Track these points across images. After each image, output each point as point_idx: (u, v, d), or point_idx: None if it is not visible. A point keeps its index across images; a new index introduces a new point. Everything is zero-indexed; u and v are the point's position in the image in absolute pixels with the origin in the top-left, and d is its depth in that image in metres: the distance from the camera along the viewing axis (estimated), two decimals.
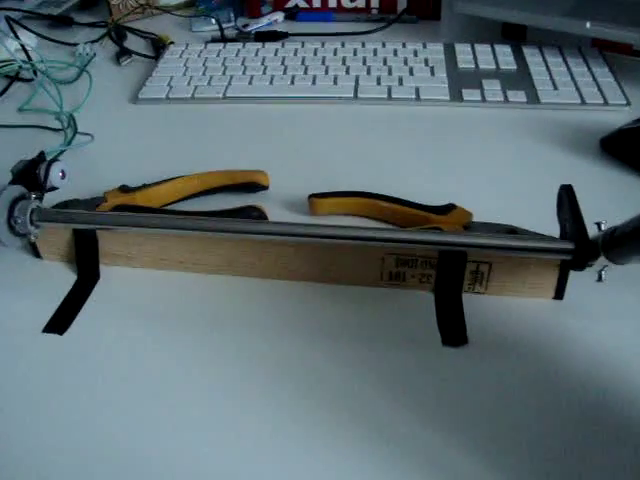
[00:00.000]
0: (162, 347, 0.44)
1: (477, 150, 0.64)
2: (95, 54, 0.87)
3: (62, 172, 0.50)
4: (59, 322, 0.46)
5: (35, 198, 0.47)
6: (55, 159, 0.51)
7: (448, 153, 0.64)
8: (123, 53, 0.86)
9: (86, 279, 0.49)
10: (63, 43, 0.91)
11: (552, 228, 0.46)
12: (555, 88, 0.72)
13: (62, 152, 0.60)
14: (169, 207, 0.56)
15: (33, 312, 0.47)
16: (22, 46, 0.80)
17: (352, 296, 0.48)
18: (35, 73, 0.81)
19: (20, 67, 0.83)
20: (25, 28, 0.90)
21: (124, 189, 0.55)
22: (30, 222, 0.46)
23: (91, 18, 1.01)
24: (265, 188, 0.57)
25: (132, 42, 0.91)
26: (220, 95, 0.74)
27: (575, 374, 0.41)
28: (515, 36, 0.88)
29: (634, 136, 0.61)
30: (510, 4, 0.80)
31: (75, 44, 0.89)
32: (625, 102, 0.69)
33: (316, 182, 0.58)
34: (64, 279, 0.50)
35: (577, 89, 0.72)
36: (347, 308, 0.47)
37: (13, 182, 0.48)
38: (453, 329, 0.44)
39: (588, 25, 0.74)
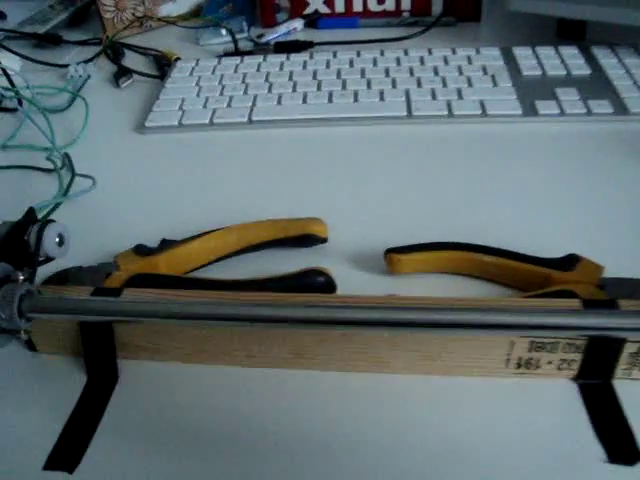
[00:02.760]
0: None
1: (568, 176, 0.52)
2: (89, 76, 0.74)
3: (60, 237, 0.37)
4: (66, 453, 0.33)
5: (24, 280, 0.33)
6: (49, 220, 0.37)
7: (534, 182, 0.51)
8: (122, 73, 0.73)
9: (99, 381, 0.36)
10: (51, 65, 0.78)
11: None
12: None
13: (58, 205, 0.46)
14: (201, 273, 0.42)
15: (29, 435, 0.34)
16: (3, 70, 0.66)
17: (467, 391, 0.35)
18: (20, 102, 0.68)
19: (1, 95, 0.69)
20: (6, 49, 0.76)
21: (141, 251, 0.42)
22: (19, 314, 0.33)
23: (82, 35, 0.88)
24: (323, 241, 0.44)
25: (131, 60, 0.78)
26: (244, 119, 0.61)
27: None
28: (573, 35, 0.75)
29: None
30: None
31: (65, 65, 0.76)
32: None
33: (384, 230, 0.46)
34: (70, 380, 0.37)
35: None
36: (462, 407, 0.33)
37: None
38: (617, 436, 0.31)
39: None
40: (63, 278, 0.41)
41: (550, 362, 0.35)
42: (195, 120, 0.62)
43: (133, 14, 0.86)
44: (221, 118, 0.61)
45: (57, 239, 0.37)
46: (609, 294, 0.36)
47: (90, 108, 0.65)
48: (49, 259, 0.38)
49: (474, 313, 0.31)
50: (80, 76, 0.74)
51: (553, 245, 0.41)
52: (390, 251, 0.42)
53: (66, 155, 0.54)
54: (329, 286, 0.40)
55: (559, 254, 0.40)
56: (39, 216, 0.44)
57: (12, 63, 0.74)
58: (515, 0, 0.71)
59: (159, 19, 0.85)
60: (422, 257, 0.42)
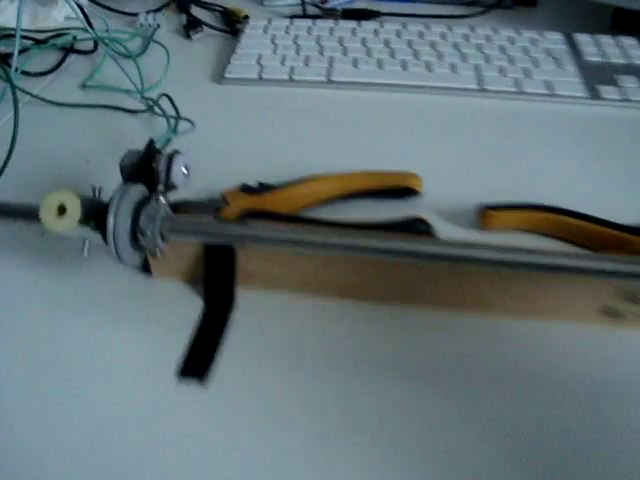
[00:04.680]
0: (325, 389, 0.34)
1: (633, 155, 0.54)
2: (159, 25, 0.75)
3: (185, 168, 0.39)
4: (196, 364, 0.35)
5: (164, 203, 0.35)
6: (176, 151, 0.39)
7: (603, 158, 0.55)
8: (193, 25, 0.74)
9: (218, 306, 0.38)
10: (119, 12, 0.79)
11: None
12: None
13: (168, 142, 0.48)
14: (306, 213, 0.45)
15: (158, 348, 0.37)
16: (82, 12, 0.68)
17: (558, 334, 0.38)
18: (95, 45, 0.69)
19: (74, 38, 0.71)
20: None
21: (247, 190, 0.45)
22: (160, 234, 0.35)
23: None
24: (417, 194, 0.46)
25: (197, 15, 0.79)
26: (324, 78, 0.63)
27: None
28: (627, 27, 0.78)
29: None
30: None
31: (134, 14, 0.77)
32: None
33: (472, 188, 0.49)
34: (188, 304, 0.40)
35: None
36: (554, 349, 0.37)
37: (127, 179, 0.37)
38: None
39: None
40: (173, 209, 0.44)
41: (635, 313, 0.38)
42: (274, 75, 0.64)
43: None
44: (300, 75, 0.63)
45: (184, 169, 0.39)
46: None
47: (167, 55, 0.67)
48: (172, 187, 0.40)
49: (573, 259, 0.34)
50: (149, 25, 0.75)
51: (628, 214, 0.44)
52: (486, 207, 0.45)
53: (169, 98, 0.56)
54: (428, 234, 0.43)
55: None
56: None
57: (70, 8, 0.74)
58: None
59: None
60: (513, 215, 0.45)
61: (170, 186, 0.39)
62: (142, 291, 0.41)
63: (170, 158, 0.38)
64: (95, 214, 0.35)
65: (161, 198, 0.36)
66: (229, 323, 0.38)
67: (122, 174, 0.39)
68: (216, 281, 0.39)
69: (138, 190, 0.36)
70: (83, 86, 0.65)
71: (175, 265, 0.40)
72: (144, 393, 0.35)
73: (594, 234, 0.43)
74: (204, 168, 0.48)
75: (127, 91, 0.63)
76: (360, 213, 0.46)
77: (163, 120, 0.57)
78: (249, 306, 0.39)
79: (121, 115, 0.60)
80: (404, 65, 0.65)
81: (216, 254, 0.38)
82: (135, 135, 0.57)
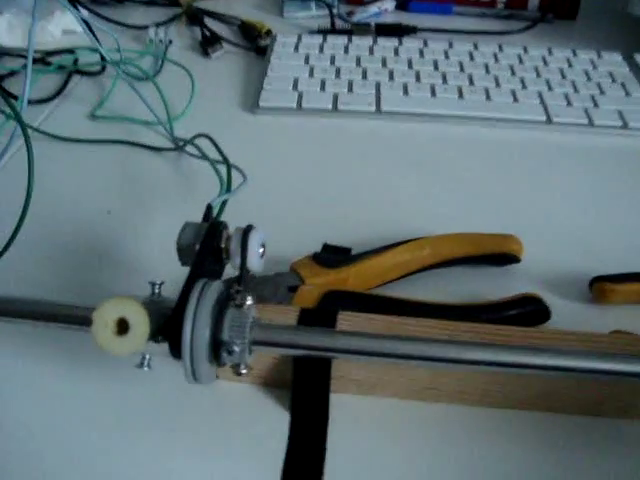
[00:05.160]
0: None
1: None
2: (171, 41, 0.66)
3: (262, 247, 0.31)
4: None
5: (249, 303, 0.27)
6: (250, 226, 0.31)
7: None
8: (211, 42, 0.66)
9: (309, 419, 0.30)
10: (123, 25, 0.70)
11: None
12: None
13: (224, 204, 0.39)
14: (391, 289, 0.38)
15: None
16: (89, 28, 0.59)
17: None
18: (103, 65, 0.60)
19: (76, 60, 0.62)
20: (77, 3, 0.68)
21: (321, 261, 0.37)
22: (248, 349, 0.27)
23: None
24: (516, 260, 0.39)
25: (213, 28, 0.71)
26: (372, 108, 0.55)
27: None
28: None
29: None
30: None
31: (143, 27, 0.68)
32: None
33: (569, 250, 0.42)
34: (267, 414, 0.33)
35: None
36: None
37: (195, 270, 0.28)
38: None
39: None
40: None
41: None
42: (316, 104, 0.56)
43: None
44: (346, 105, 0.55)
45: (260, 250, 0.31)
46: None
47: (183, 77, 0.58)
48: (246, 272, 0.32)
49: None
50: (161, 41, 0.67)
51: None
52: (599, 280, 0.38)
53: (207, 138, 0.47)
54: (544, 316, 0.35)
55: None
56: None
57: (74, 22, 0.65)
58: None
59: None
60: (633, 288, 0.37)
61: (244, 270, 0.30)
62: (210, 399, 0.32)
63: (245, 236, 0.30)
64: (163, 323, 0.26)
65: (246, 298, 0.27)
66: (325, 444, 0.29)
67: (180, 257, 0.31)
68: (307, 388, 0.31)
69: (216, 288, 0.27)
70: (92, 116, 0.56)
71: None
72: None
73: None
74: (265, 231, 0.40)
75: (147, 123, 0.54)
76: (455, 283, 0.38)
77: (194, 160, 0.49)
78: (349, 416, 0.31)
79: (142, 153, 0.51)
80: (460, 92, 0.57)
81: (307, 365, 0.30)
82: (162, 178, 0.49)
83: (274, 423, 0.31)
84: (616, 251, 0.42)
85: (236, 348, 0.26)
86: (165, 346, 0.27)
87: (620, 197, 0.48)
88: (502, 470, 0.30)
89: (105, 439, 0.31)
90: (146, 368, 0.28)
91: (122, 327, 0.25)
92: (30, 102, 0.56)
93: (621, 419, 0.32)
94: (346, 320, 0.31)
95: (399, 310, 0.34)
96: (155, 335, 0.26)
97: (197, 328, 0.26)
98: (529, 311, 0.35)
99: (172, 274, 0.30)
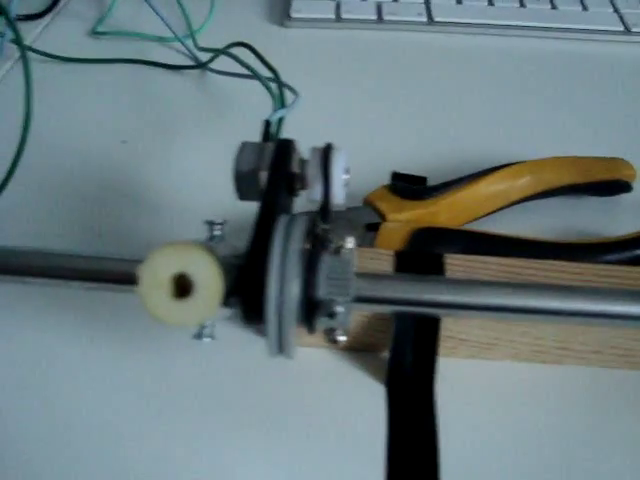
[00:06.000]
0: None
1: None
2: None
3: (347, 171, 0.24)
4: None
5: (350, 247, 0.20)
6: (330, 145, 0.24)
7: None
8: None
9: (414, 393, 0.23)
10: None
11: None
12: None
13: (281, 122, 0.32)
14: (488, 223, 0.31)
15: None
16: None
17: None
18: None
19: None
20: None
21: (400, 191, 0.29)
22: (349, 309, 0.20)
23: None
24: (629, 189, 0.32)
25: None
26: (423, 18, 0.47)
27: None
28: None
29: None
30: None
31: None
32: None
33: None
34: (356, 388, 0.25)
35: None
36: None
37: (269, 205, 0.21)
38: None
39: None
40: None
41: None
42: (358, 14, 0.48)
43: None
44: (393, 14, 0.47)
45: (345, 176, 0.24)
46: None
47: None
48: (329, 205, 0.24)
49: None
50: None
51: None
52: None
53: (247, 46, 0.39)
54: None
55: None
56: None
57: None
58: None
59: None
60: None
61: (327, 202, 0.23)
62: (282, 370, 0.25)
63: (326, 158, 0.22)
64: (234, 278, 0.19)
65: (346, 241, 0.20)
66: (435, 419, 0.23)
67: (239, 188, 0.23)
68: (409, 352, 0.24)
69: (303, 227, 0.20)
70: (94, 33, 0.47)
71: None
72: None
73: None
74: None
75: (161, 38, 0.45)
76: (562, 219, 0.32)
77: (221, 79, 0.41)
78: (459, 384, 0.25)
79: (158, 72, 0.43)
80: (521, 1, 0.49)
81: (411, 325, 0.23)
82: (185, 100, 0.41)
83: (364, 394, 0.24)
84: None
85: (339, 308, 0.19)
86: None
87: None
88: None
89: (148, 424, 0.24)
90: (208, 339, 0.20)
91: (183, 287, 0.18)
92: (18, 18, 0.47)
93: None
94: (456, 265, 0.24)
95: (510, 250, 0.27)
96: (228, 296, 0.19)
97: (286, 282, 0.19)
98: None
99: (215, 213, 0.23)
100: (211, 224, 0.22)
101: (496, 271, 0.25)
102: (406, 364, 0.23)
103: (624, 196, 0.33)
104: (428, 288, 0.21)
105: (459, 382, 0.25)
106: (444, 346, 0.25)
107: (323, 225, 0.21)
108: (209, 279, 0.18)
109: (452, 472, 0.20)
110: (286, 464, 0.23)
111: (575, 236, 0.31)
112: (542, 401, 0.25)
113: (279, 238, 0.19)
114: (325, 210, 0.22)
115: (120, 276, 0.21)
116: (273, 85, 0.33)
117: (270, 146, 0.24)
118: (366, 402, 0.24)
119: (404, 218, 0.29)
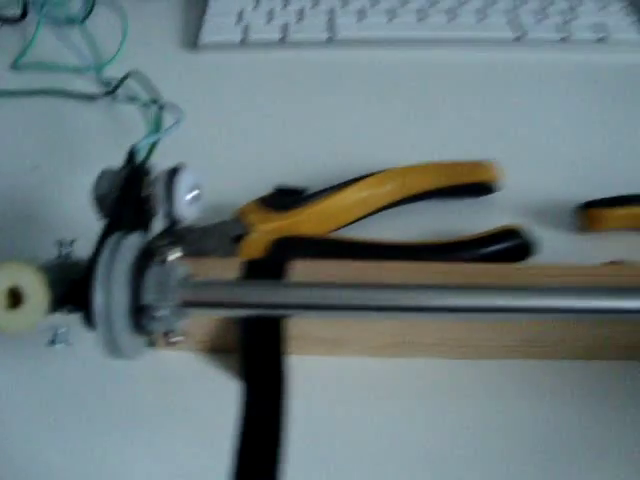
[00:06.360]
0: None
1: None
2: None
3: (196, 189, 0.26)
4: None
5: (179, 256, 0.23)
6: (179, 165, 0.26)
7: None
8: None
9: (263, 388, 0.26)
10: None
11: None
12: None
13: (155, 145, 0.34)
14: (353, 231, 0.33)
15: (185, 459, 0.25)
16: None
17: None
18: (25, 9, 0.54)
19: None
20: None
21: (271, 203, 0.32)
22: (177, 310, 0.22)
23: None
24: (494, 190, 0.34)
25: None
26: (324, 37, 0.50)
27: None
28: None
29: None
30: None
31: None
32: None
33: (553, 176, 0.38)
34: (213, 388, 0.28)
35: None
36: None
37: (112, 224, 0.23)
38: None
39: None
40: (167, 241, 0.31)
41: None
42: (263, 36, 0.50)
43: None
44: (295, 34, 0.50)
45: (194, 192, 0.26)
46: None
47: (117, 17, 0.52)
48: (176, 222, 0.27)
49: None
50: None
51: None
52: (587, 206, 0.33)
53: (139, 76, 0.41)
54: (527, 250, 0.31)
55: None
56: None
57: None
58: None
59: None
60: (624, 212, 0.33)
61: (173, 220, 0.25)
62: (151, 371, 0.28)
63: (171, 178, 0.25)
64: (69, 288, 0.21)
65: (171, 252, 0.23)
66: (286, 408, 0.25)
67: (99, 209, 0.26)
68: (256, 351, 0.26)
69: (134, 242, 0.22)
70: (15, 66, 0.49)
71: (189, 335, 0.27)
72: None
73: None
74: (207, 175, 0.35)
75: (76, 69, 0.48)
76: (427, 222, 0.34)
77: (128, 107, 0.43)
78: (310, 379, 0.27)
79: (72, 103, 0.46)
80: (420, 14, 0.52)
81: (256, 326, 0.26)
82: (93, 128, 0.43)
83: (222, 393, 0.26)
84: (602, 175, 0.38)
85: (161, 312, 0.21)
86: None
87: (601, 116, 0.43)
88: (494, 426, 0.26)
89: (24, 426, 0.26)
90: (60, 345, 0.23)
91: (16, 298, 0.20)
92: None
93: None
94: (298, 269, 0.27)
95: (362, 254, 0.29)
96: (61, 304, 0.21)
97: (112, 291, 0.21)
98: (512, 245, 0.31)
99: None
100: (60, 244, 0.24)
101: (338, 273, 0.27)
102: (254, 362, 0.26)
103: (490, 197, 0.36)
104: (256, 290, 0.24)
105: (313, 378, 0.27)
106: (298, 344, 0.27)
107: (161, 241, 0.24)
108: (35, 290, 0.20)
109: (299, 461, 0.22)
110: (145, 460, 0.25)
111: (439, 237, 0.33)
112: (388, 393, 0.27)
113: (105, 254, 0.22)
114: (168, 226, 0.25)
115: None
116: (155, 109, 0.35)
117: (123, 172, 0.26)
118: (226, 400, 0.26)
119: (269, 229, 0.31)
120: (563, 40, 0.51)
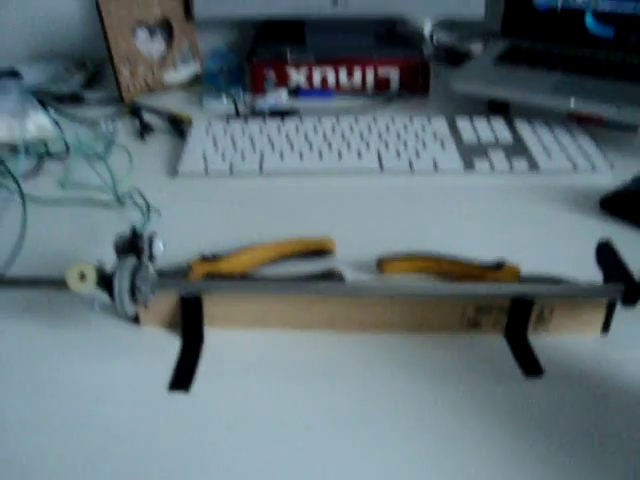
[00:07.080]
0: (279, 398, 0.50)
1: (497, 214, 0.74)
2: (115, 130, 0.91)
3: (162, 244, 0.55)
4: (181, 381, 0.50)
5: (150, 268, 0.51)
6: (155, 233, 0.55)
7: (474, 216, 0.73)
8: (146, 129, 0.91)
9: (192, 342, 0.53)
10: (82, 121, 0.95)
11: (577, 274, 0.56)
12: (549, 157, 0.82)
13: (143, 227, 0.64)
14: (251, 273, 0.61)
15: (151, 374, 0.52)
16: (56, 123, 0.84)
17: (439, 343, 0.55)
18: (67, 148, 0.85)
19: (46, 145, 0.86)
20: (43, 105, 0.93)
21: (206, 258, 0.60)
22: (150, 290, 0.50)
23: (94, 94, 1.05)
24: (332, 253, 0.63)
25: (148, 119, 0.96)
26: (256, 169, 0.80)
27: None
28: (500, 110, 0.98)
29: (634, 196, 0.71)
30: (500, 84, 0.91)
31: (95, 122, 0.93)
32: (610, 166, 0.80)
33: (372, 247, 0.65)
34: (168, 343, 0.55)
35: (568, 157, 0.82)
36: (437, 353, 0.54)
37: (119, 254, 0.52)
38: (530, 364, 0.52)
39: (572, 101, 0.85)
40: None
41: (488, 323, 0.55)
42: (217, 168, 0.80)
43: (145, 80, 1.04)
44: (237, 168, 0.80)
45: (161, 245, 0.55)
46: None
47: (126, 155, 0.83)
48: (153, 258, 0.55)
49: (443, 286, 0.51)
50: (109, 131, 0.92)
51: (488, 252, 0.62)
52: (382, 258, 0.62)
53: (138, 191, 0.72)
54: (340, 280, 0.59)
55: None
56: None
57: (43, 119, 0.89)
58: (457, 84, 0.94)
59: (166, 85, 1.03)
60: (405, 262, 0.62)
61: (152, 257, 0.54)
62: (135, 334, 0.55)
63: (151, 238, 0.54)
64: (104, 279, 0.50)
65: (149, 266, 0.51)
66: (201, 352, 0.53)
67: (116, 250, 0.54)
68: (190, 323, 0.54)
69: (131, 261, 0.51)
70: (62, 185, 0.79)
71: (158, 315, 0.55)
72: (142, 401, 0.49)
73: (462, 271, 0.60)
74: (172, 247, 0.64)
75: (99, 188, 0.78)
76: (292, 269, 0.62)
77: (132, 211, 0.73)
78: (215, 339, 0.55)
79: (98, 208, 0.75)
80: (320, 154, 0.83)
81: (188, 303, 0.54)
82: (112, 224, 0.72)
83: (176, 345, 0.54)
84: (404, 244, 0.65)
85: (143, 289, 0.50)
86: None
87: (418, 214, 0.73)
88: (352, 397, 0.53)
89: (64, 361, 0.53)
90: (97, 308, 0.51)
91: (82, 277, 0.49)
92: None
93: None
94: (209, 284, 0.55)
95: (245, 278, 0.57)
96: (100, 285, 0.49)
97: (122, 279, 0.49)
98: (331, 278, 0.59)
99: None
100: (98, 262, 0.53)
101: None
102: (187, 326, 0.54)
103: (331, 257, 0.64)
104: (187, 282, 0.52)
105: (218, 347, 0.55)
106: (211, 321, 0.55)
107: (146, 262, 0.52)
108: (91, 274, 0.49)
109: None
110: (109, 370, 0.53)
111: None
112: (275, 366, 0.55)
113: (120, 265, 0.50)
114: (149, 258, 0.53)
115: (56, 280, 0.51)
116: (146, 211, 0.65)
117: (128, 235, 0.55)
118: (175, 346, 0.54)
119: (203, 270, 0.59)
120: (411, 169, 0.81)
